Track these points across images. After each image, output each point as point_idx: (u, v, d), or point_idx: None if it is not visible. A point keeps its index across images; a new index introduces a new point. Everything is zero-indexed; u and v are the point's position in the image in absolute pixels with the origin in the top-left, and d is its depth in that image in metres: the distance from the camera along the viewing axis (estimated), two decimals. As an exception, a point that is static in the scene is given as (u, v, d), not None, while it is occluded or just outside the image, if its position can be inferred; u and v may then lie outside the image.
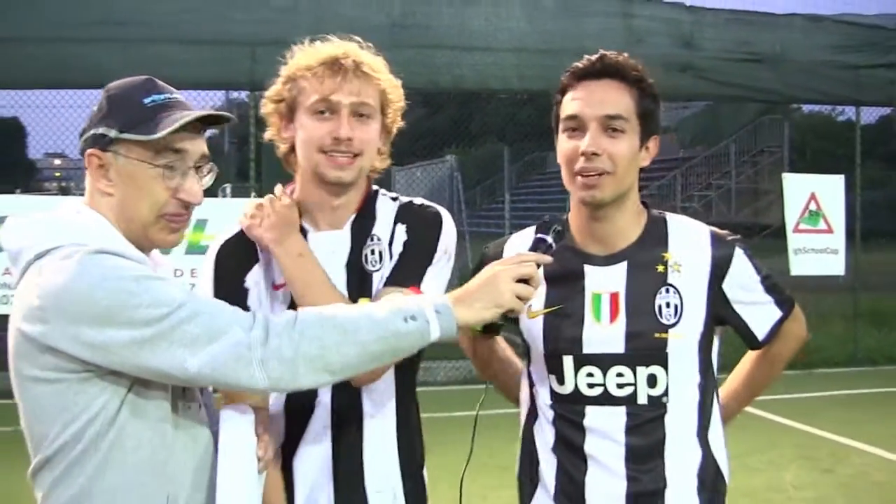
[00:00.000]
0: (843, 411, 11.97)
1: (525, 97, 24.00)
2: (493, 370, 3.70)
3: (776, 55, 15.24)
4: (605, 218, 3.18)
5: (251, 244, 3.22)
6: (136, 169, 2.63)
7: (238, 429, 2.74)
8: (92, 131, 2.66)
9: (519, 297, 2.69)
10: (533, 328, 3.28)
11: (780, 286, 3.31)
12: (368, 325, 2.52)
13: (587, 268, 3.21)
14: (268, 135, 3.29)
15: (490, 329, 3.51)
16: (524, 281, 2.71)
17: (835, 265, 14.36)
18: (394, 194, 3.34)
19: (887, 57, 15.95)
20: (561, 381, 3.20)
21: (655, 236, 3.23)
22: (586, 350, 3.16)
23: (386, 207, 3.28)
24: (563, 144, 3.16)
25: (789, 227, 13.94)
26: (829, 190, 14.34)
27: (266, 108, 3.25)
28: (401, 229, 3.22)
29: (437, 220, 3.25)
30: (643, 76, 3.16)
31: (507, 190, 25.65)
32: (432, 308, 2.59)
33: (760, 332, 3.29)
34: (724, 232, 3.27)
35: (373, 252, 3.19)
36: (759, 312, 3.27)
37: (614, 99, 3.11)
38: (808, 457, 9.76)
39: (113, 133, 2.62)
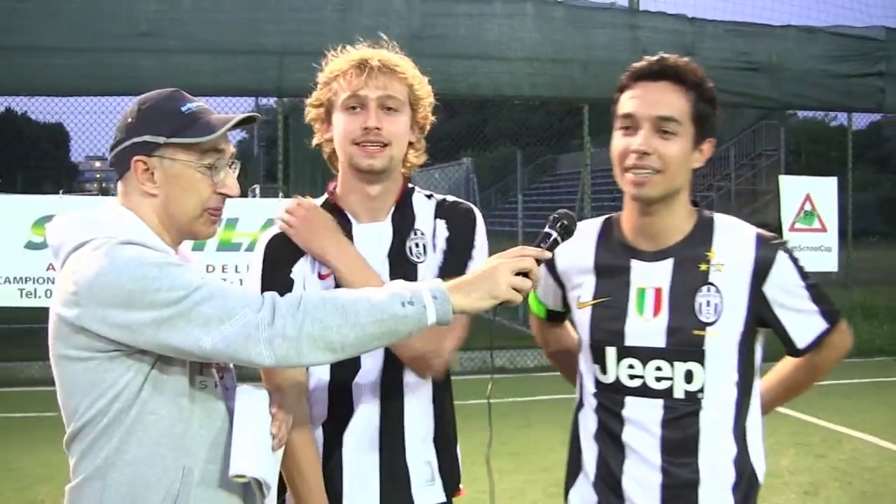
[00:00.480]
0: (836, 400, 11.92)
1: (537, 103, 24.04)
2: (562, 360, 3.63)
3: (773, 64, 15.23)
4: (654, 214, 3.08)
5: None
6: (182, 170, 2.74)
7: (252, 405, 2.79)
8: (132, 140, 2.73)
9: (516, 290, 2.67)
10: (581, 318, 3.23)
11: (827, 296, 3.13)
12: (367, 308, 2.54)
13: (634, 262, 3.13)
14: (315, 140, 3.32)
15: (554, 317, 3.46)
16: (525, 274, 2.69)
17: (828, 262, 14.40)
18: (427, 192, 3.37)
19: (876, 66, 15.96)
20: (604, 370, 3.14)
21: (702, 235, 3.12)
22: (628, 342, 3.09)
23: (423, 204, 3.31)
24: (617, 141, 3.06)
25: (785, 226, 13.98)
26: (823, 191, 14.41)
27: (310, 114, 3.29)
28: (441, 224, 3.25)
29: (472, 217, 3.28)
30: (701, 80, 3.05)
31: (520, 191, 25.68)
32: (429, 293, 2.60)
33: (801, 341, 3.12)
34: (771, 235, 3.12)
35: (417, 245, 3.22)
36: (801, 320, 3.10)
37: (669, 101, 3.00)
38: (802, 443, 9.75)
39: (161, 139, 2.70)
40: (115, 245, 2.55)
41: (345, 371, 3.12)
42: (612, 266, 3.16)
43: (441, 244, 3.23)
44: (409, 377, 3.18)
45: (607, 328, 3.13)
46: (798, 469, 8.72)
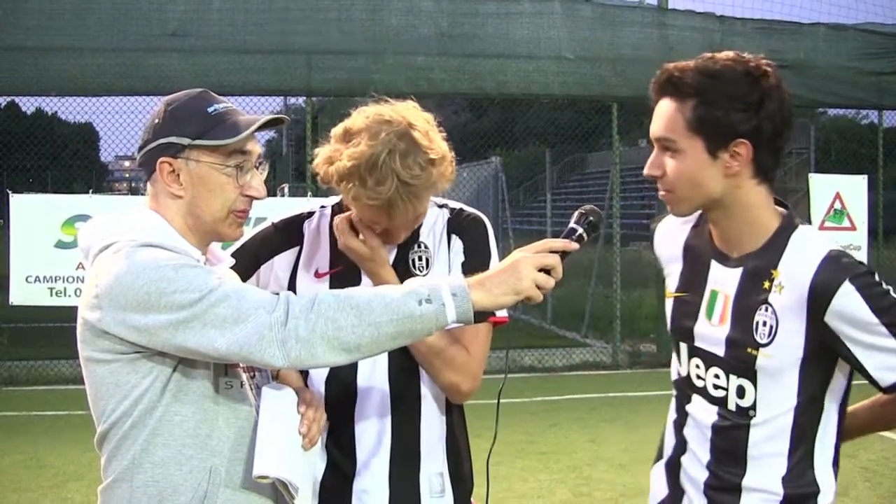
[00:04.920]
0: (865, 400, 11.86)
1: (565, 102, 23.92)
2: None
3: (802, 62, 15.14)
4: (715, 223, 2.94)
5: (297, 230, 3.26)
6: (208, 172, 2.72)
7: (277, 404, 2.78)
8: (159, 141, 2.73)
9: (538, 286, 2.59)
10: (667, 307, 3.15)
11: None
12: (381, 307, 2.50)
13: (714, 264, 2.97)
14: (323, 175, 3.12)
15: None
16: (547, 271, 2.62)
17: (858, 261, 14.30)
18: (440, 200, 3.31)
19: (908, 64, 15.85)
20: (680, 362, 3.08)
21: (773, 250, 2.84)
22: (696, 343, 2.99)
23: (433, 214, 3.27)
24: None
25: (815, 224, 13.89)
26: (853, 189, 14.34)
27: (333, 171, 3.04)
28: (456, 241, 3.22)
29: (483, 228, 3.26)
30: (705, 83, 2.77)
31: (549, 189, 25.59)
32: (449, 291, 2.53)
33: (884, 380, 2.77)
34: (847, 260, 2.72)
35: (420, 258, 3.20)
36: (881, 358, 2.72)
37: (663, 118, 2.83)
38: (832, 442, 9.67)
39: (186, 141, 2.69)
40: (134, 248, 2.56)
41: (354, 380, 3.13)
42: (696, 261, 3.04)
43: (458, 259, 3.18)
44: (423, 387, 3.17)
45: (682, 324, 3.05)
46: (828, 469, 8.59)
